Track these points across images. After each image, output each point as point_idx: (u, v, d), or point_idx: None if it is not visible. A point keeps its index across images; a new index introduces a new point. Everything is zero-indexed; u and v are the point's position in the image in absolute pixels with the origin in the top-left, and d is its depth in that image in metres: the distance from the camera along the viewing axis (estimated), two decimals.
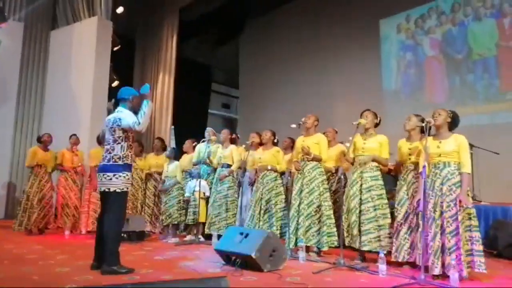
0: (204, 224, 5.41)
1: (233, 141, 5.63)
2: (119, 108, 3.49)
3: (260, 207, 4.76)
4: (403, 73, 8.79)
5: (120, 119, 3.36)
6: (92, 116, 7.90)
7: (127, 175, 3.37)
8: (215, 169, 5.64)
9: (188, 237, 5.48)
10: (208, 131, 5.73)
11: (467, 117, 7.29)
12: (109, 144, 3.40)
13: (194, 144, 6.18)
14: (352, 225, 3.87)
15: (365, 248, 3.80)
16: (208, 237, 5.38)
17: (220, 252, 3.74)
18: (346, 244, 3.98)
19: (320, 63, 9.94)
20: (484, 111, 7.71)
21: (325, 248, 4.12)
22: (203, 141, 5.71)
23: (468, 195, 3.31)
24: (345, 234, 3.99)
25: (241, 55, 12.20)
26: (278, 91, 10.74)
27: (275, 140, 5.04)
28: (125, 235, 5.03)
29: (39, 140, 5.83)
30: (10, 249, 4.46)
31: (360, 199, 3.87)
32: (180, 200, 5.67)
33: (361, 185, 3.89)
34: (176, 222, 5.63)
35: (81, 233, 5.73)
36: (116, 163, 3.33)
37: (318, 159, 4.29)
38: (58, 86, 8.60)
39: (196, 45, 12.14)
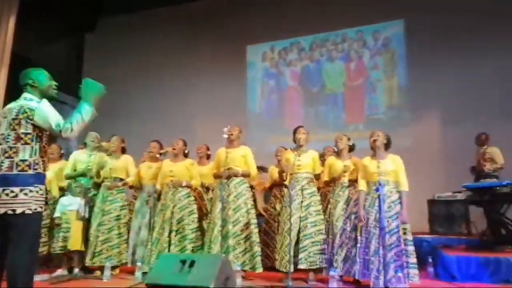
0: (80, 252, 4.29)
1: (124, 151, 4.73)
2: (26, 95, 2.45)
3: (170, 228, 4.09)
4: (266, 99, 9.30)
5: (32, 109, 2.35)
6: None
7: (40, 189, 2.35)
8: (98, 185, 4.59)
9: (60, 272, 4.23)
10: (93, 136, 4.65)
11: (319, 143, 8.21)
12: (7, 142, 2.33)
13: (61, 152, 4.95)
14: (289, 245, 3.67)
15: (302, 266, 3.67)
16: (86, 269, 4.31)
17: (154, 287, 2.98)
18: (277, 267, 3.78)
19: (184, 80, 9.56)
20: (332, 139, 8.81)
21: (260, 270, 3.81)
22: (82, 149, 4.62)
23: None
24: (277, 256, 3.80)
25: (87, 57, 10.66)
26: (133, 105, 9.72)
27: (186, 151, 4.48)
28: None
29: None
30: None
31: (300, 216, 3.75)
32: (46, 223, 4.37)
33: (301, 202, 3.78)
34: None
35: None
36: (25, 173, 2.29)
37: (246, 175, 4.00)
38: None
39: (22, 36, 9.93)
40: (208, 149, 5.03)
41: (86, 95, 2.42)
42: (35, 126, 2.36)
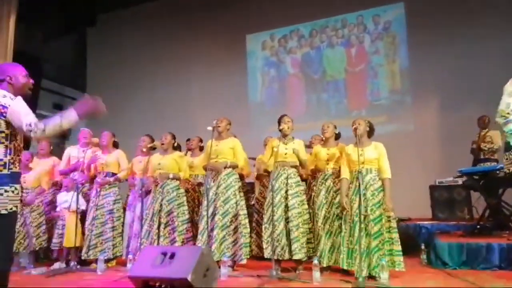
0: (77, 248, 4.39)
1: (116, 145, 4.79)
2: (0, 91, 2.43)
3: (160, 220, 4.15)
4: (267, 87, 9.22)
5: (5, 107, 2.36)
6: None
7: (16, 189, 2.39)
8: (91, 179, 4.68)
9: (57, 265, 4.36)
10: (85, 132, 4.72)
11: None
12: None
13: (51, 148, 5.04)
14: (280, 234, 3.68)
15: (296, 257, 3.67)
16: (84, 262, 4.43)
17: (136, 279, 3.04)
18: (266, 256, 3.78)
19: (184, 72, 9.56)
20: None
21: (244, 261, 3.84)
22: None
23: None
24: (265, 246, 3.79)
25: (90, 51, 10.76)
26: (133, 96, 9.78)
27: (175, 144, 4.50)
28: None
29: None
30: None
31: (286, 205, 3.74)
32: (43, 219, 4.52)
33: (286, 191, 3.77)
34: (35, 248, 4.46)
35: None
36: (0, 173, 2.33)
37: (234, 166, 4.00)
38: None
39: (24, 31, 10.03)
40: (200, 141, 5.04)
41: (83, 106, 2.32)
42: (8, 124, 2.35)
